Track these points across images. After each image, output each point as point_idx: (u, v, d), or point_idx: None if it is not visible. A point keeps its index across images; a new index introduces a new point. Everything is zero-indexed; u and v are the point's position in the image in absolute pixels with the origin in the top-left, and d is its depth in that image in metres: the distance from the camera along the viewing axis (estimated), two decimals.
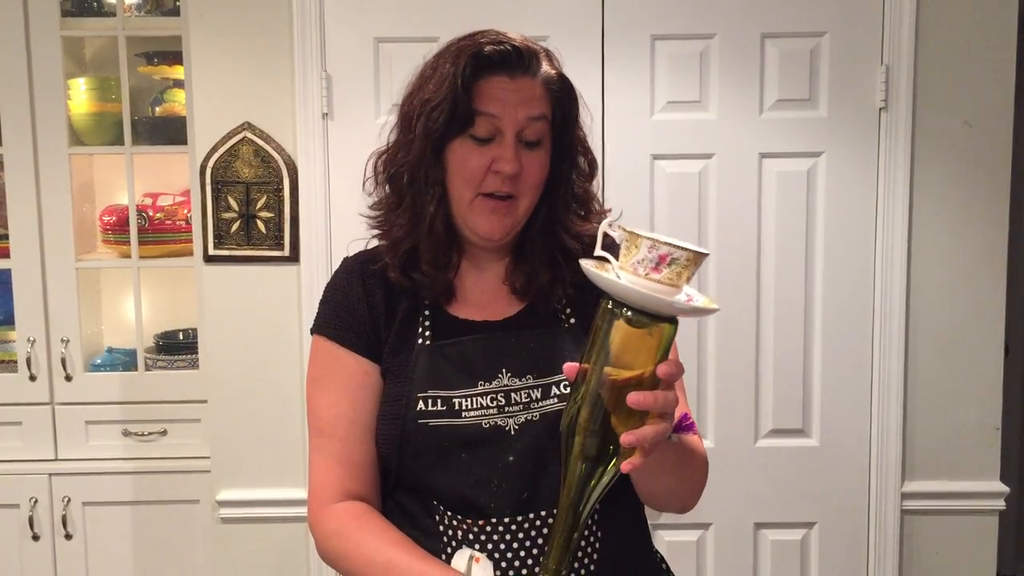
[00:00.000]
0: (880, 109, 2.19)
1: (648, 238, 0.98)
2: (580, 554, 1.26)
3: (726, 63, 2.20)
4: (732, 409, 2.28)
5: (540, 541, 1.24)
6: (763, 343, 2.27)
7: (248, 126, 2.22)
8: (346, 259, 1.39)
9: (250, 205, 2.24)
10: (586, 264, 1.04)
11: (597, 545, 1.28)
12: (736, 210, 2.24)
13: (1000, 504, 2.28)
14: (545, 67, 1.27)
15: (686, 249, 0.98)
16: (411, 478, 1.29)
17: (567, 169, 1.33)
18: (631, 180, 2.21)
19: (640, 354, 1.00)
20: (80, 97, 2.53)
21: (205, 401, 2.34)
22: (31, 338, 2.52)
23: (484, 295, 1.34)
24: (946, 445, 2.27)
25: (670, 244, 0.97)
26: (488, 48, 1.24)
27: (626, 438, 0.99)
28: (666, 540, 2.30)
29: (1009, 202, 2.22)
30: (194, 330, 2.63)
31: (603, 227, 1.06)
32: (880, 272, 2.23)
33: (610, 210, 1.39)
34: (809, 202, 2.23)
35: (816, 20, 2.19)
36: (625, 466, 1.01)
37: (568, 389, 1.24)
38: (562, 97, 1.28)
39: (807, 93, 2.21)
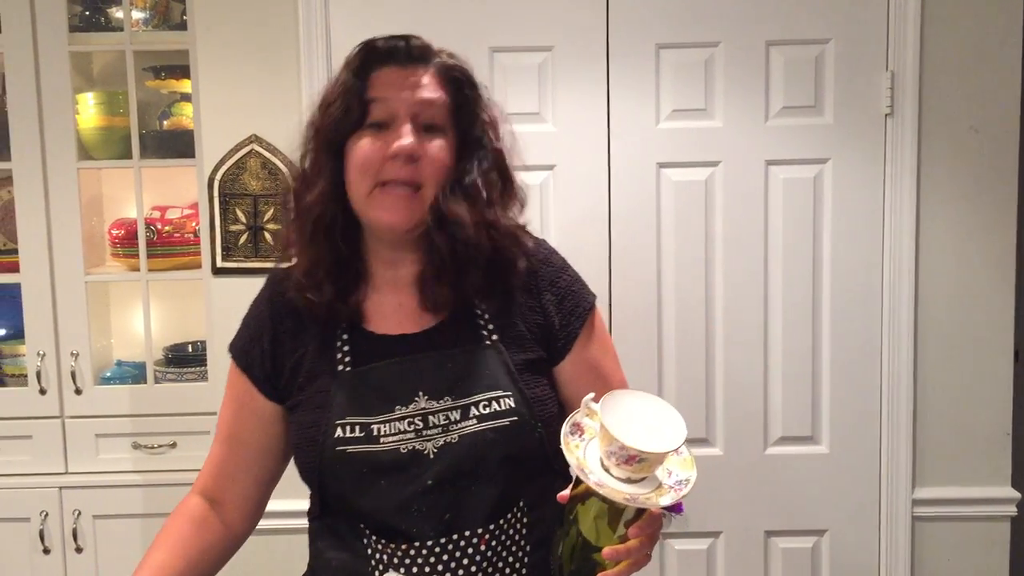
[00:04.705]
0: (886, 115, 2.19)
1: (618, 440, 1.04)
2: (516, 536, 1.26)
3: (731, 71, 2.20)
4: (741, 417, 2.27)
5: (465, 562, 1.22)
6: (771, 350, 2.26)
7: (255, 139, 2.23)
8: (269, 275, 1.41)
9: (258, 217, 2.25)
10: (569, 455, 1.09)
11: (524, 532, 1.27)
12: (743, 217, 2.24)
13: (1012, 510, 2.27)
14: (437, 58, 1.30)
15: (652, 453, 1.05)
16: (335, 503, 1.29)
17: (474, 155, 1.29)
18: (637, 189, 2.21)
19: (617, 518, 1.12)
20: (88, 111, 2.54)
21: (214, 413, 2.32)
22: (41, 352, 2.53)
23: (401, 309, 1.32)
24: (957, 451, 2.26)
25: (638, 449, 1.04)
26: (379, 42, 1.28)
27: (608, 552, 1.09)
28: (676, 548, 2.30)
29: (1017, 206, 2.21)
30: (203, 342, 2.64)
31: (586, 400, 1.14)
32: (888, 278, 2.22)
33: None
34: (816, 209, 2.23)
35: (821, 27, 2.19)
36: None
37: (488, 409, 1.25)
38: (459, 82, 1.30)
39: (813, 100, 2.21)
